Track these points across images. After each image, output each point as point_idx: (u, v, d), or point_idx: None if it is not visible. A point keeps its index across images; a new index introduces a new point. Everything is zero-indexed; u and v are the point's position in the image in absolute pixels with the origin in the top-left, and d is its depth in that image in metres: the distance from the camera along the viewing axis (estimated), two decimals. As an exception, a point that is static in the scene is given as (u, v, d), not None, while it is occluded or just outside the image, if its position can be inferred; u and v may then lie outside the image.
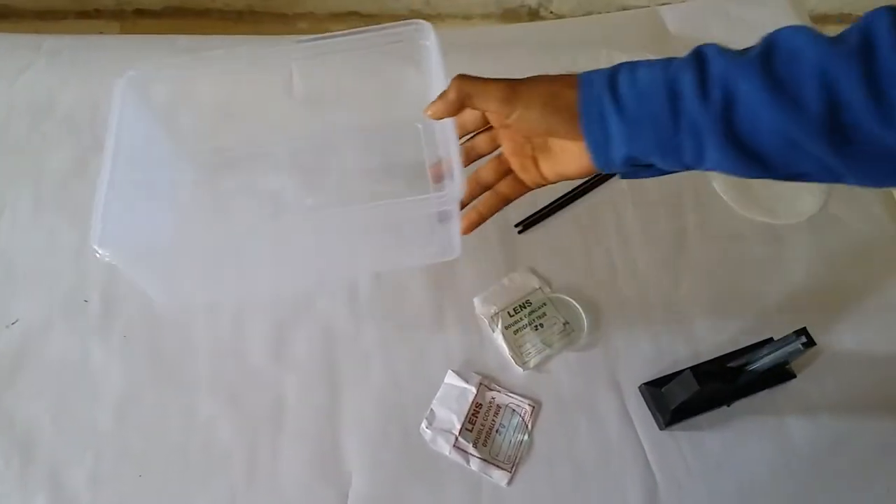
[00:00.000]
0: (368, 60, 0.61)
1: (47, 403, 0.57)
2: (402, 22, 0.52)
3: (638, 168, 0.46)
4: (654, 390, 0.57)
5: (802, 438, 0.57)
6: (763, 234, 0.67)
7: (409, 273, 0.64)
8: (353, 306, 0.62)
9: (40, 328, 0.60)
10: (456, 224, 0.53)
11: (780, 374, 0.58)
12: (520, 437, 0.56)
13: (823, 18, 1.58)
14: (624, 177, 0.48)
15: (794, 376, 0.58)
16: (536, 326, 0.61)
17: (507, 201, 0.54)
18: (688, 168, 0.44)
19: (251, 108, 0.66)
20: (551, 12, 1.57)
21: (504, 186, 0.53)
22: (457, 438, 0.56)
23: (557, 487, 0.55)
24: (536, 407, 0.58)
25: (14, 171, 0.69)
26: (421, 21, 0.53)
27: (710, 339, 0.61)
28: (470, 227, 0.54)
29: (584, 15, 0.94)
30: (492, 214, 0.54)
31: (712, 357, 0.58)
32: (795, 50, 0.38)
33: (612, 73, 0.44)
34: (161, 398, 0.58)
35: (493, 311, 0.61)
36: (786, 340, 0.49)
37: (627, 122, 0.43)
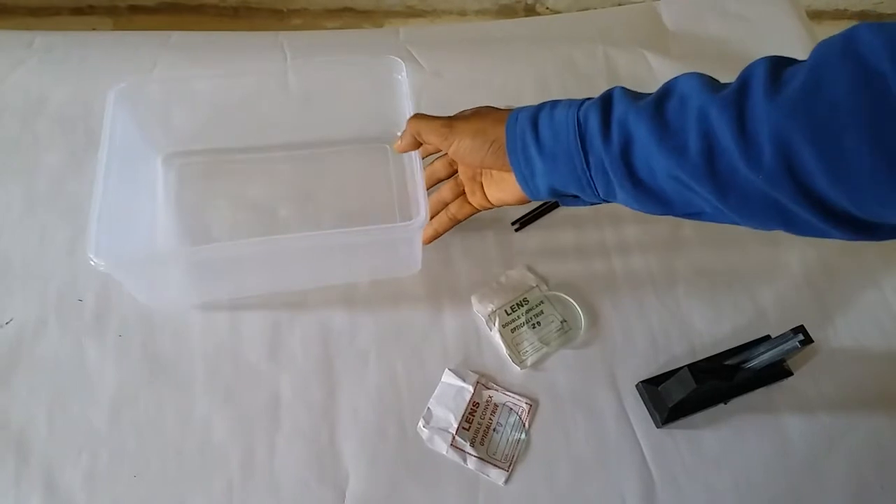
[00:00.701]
0: (349, 87, 0.66)
1: (42, 403, 0.57)
2: (378, 57, 0.62)
3: (566, 198, 0.49)
4: (652, 388, 0.57)
5: (799, 435, 0.57)
6: (761, 231, 0.67)
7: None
8: (350, 305, 0.62)
9: (34, 327, 0.60)
10: (418, 244, 0.59)
11: (776, 371, 0.58)
12: (517, 435, 0.56)
13: (819, 14, 1.58)
14: (562, 204, 0.51)
15: (791, 374, 0.59)
16: (534, 325, 0.61)
17: (455, 221, 0.60)
18: (606, 201, 0.47)
19: (240, 116, 0.67)
20: (547, 8, 1.57)
21: (454, 207, 0.59)
22: (454, 437, 0.55)
23: (554, 486, 0.55)
24: (534, 405, 0.58)
25: (6, 170, 0.69)
26: (395, 58, 0.61)
27: (708, 336, 0.61)
28: (426, 241, 0.60)
29: (580, 10, 0.94)
30: (445, 231, 0.61)
31: (709, 355, 0.58)
32: (684, 96, 0.40)
33: (536, 110, 0.47)
34: (156, 397, 0.57)
35: (490, 309, 0.61)
36: (783, 338, 0.49)
37: (545, 157, 0.46)
